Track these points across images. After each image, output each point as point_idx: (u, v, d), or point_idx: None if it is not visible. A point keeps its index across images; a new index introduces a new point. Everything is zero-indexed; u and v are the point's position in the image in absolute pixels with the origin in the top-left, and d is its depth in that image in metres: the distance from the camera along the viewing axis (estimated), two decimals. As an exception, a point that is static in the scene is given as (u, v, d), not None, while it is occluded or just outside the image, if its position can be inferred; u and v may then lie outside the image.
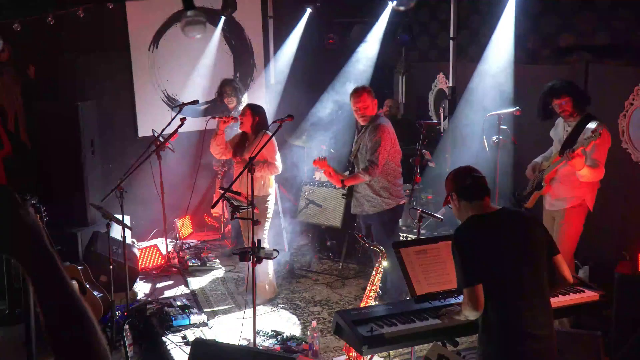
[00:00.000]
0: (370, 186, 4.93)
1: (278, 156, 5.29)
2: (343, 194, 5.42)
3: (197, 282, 6.03)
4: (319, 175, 6.66)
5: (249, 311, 4.42)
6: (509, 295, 2.79)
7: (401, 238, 5.73)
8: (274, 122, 4.28)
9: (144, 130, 6.95)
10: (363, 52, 7.46)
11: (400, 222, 6.19)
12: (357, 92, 4.93)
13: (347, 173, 5.18)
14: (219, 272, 6.29)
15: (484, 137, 5.58)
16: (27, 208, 1.10)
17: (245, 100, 6.64)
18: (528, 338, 2.76)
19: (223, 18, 7.09)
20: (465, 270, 2.79)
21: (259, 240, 4.15)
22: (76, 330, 1.05)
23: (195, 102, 6.42)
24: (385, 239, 4.61)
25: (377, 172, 4.81)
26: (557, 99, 4.42)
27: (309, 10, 6.76)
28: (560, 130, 4.62)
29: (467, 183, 2.94)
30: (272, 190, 5.45)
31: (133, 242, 6.23)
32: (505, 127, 5.33)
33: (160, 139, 5.99)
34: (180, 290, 5.83)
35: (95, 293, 4.95)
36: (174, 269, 6.37)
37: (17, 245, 1.06)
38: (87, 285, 4.95)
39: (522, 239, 2.87)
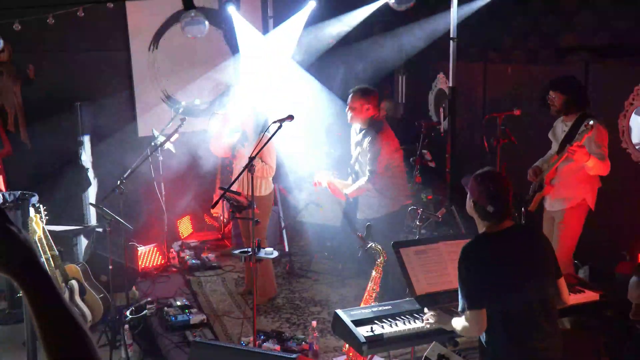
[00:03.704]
0: (375, 189, 4.92)
1: (273, 157, 5.29)
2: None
3: (197, 282, 6.03)
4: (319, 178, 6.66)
5: (249, 311, 4.42)
6: (516, 317, 2.75)
7: (401, 238, 5.73)
8: (274, 122, 4.27)
9: (144, 130, 6.95)
10: (363, 51, 7.46)
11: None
12: (351, 93, 4.91)
13: (349, 179, 5.18)
14: (218, 272, 6.28)
15: (484, 137, 5.58)
16: (19, 225, 1.11)
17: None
18: (535, 349, 2.74)
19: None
20: (470, 293, 2.73)
21: (259, 240, 4.14)
22: (72, 342, 1.08)
23: (196, 102, 6.42)
24: (388, 240, 4.60)
25: (377, 180, 4.83)
26: (552, 91, 4.47)
27: (312, 3, 6.64)
28: (558, 130, 4.63)
29: (487, 210, 2.80)
30: (271, 190, 5.45)
31: (133, 242, 6.22)
32: (505, 127, 5.33)
33: (161, 138, 6.00)
34: (180, 290, 5.83)
35: (95, 293, 4.94)
36: (174, 269, 6.37)
37: (11, 263, 1.07)
38: (87, 286, 4.94)
39: (532, 260, 2.82)
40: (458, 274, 2.79)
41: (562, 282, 2.93)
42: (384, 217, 4.94)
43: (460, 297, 2.79)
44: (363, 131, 4.92)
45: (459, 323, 2.88)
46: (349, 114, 4.90)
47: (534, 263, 2.83)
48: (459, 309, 2.82)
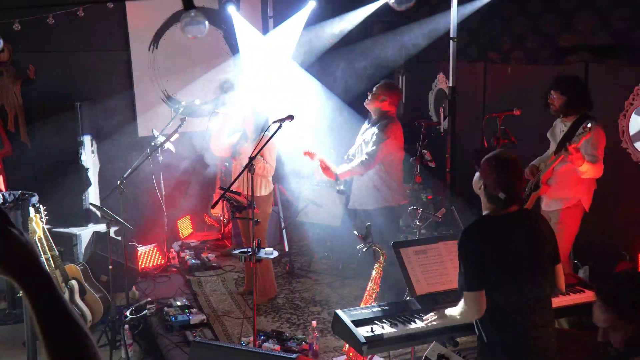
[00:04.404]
0: (371, 180, 4.94)
1: (274, 157, 5.29)
2: (338, 190, 5.48)
3: (197, 282, 6.03)
4: (319, 178, 6.65)
5: (249, 311, 4.42)
6: (515, 303, 2.77)
7: (401, 238, 5.73)
8: (274, 122, 4.28)
9: (144, 130, 6.95)
10: (363, 51, 7.46)
11: (401, 222, 6.19)
12: (380, 83, 5.02)
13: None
14: (218, 272, 6.29)
15: (484, 137, 5.58)
16: (19, 225, 1.12)
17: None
18: (531, 337, 2.77)
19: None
20: (468, 274, 2.75)
21: (259, 240, 4.14)
22: (73, 344, 1.09)
23: (196, 102, 6.42)
24: (384, 237, 4.61)
25: (373, 166, 4.84)
26: (553, 91, 4.47)
27: (312, 3, 6.64)
28: (557, 130, 4.64)
29: (498, 196, 2.80)
30: (271, 190, 5.45)
31: (133, 242, 6.23)
32: (505, 127, 5.33)
33: (161, 138, 6.00)
34: (180, 290, 5.83)
35: (95, 293, 4.95)
36: (174, 269, 6.37)
37: (12, 265, 1.08)
38: (87, 286, 4.95)
39: (532, 246, 2.83)
40: (458, 255, 2.81)
41: (559, 267, 2.95)
42: (374, 210, 4.95)
43: (459, 278, 2.81)
44: (376, 123, 4.95)
45: (456, 309, 2.89)
46: (371, 99, 4.97)
47: (533, 249, 2.84)
48: (458, 290, 2.83)
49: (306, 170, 6.78)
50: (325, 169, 4.99)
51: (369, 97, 4.99)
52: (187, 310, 5.09)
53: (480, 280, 2.74)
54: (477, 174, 2.92)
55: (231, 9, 6.61)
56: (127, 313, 4.69)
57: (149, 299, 5.30)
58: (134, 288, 5.60)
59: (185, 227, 7.34)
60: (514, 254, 2.79)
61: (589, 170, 4.19)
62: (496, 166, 2.83)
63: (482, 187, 2.87)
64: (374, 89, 5.00)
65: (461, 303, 2.85)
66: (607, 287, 2.25)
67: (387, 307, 3.37)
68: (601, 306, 2.21)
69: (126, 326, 4.52)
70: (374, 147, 4.82)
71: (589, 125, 4.05)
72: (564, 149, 4.10)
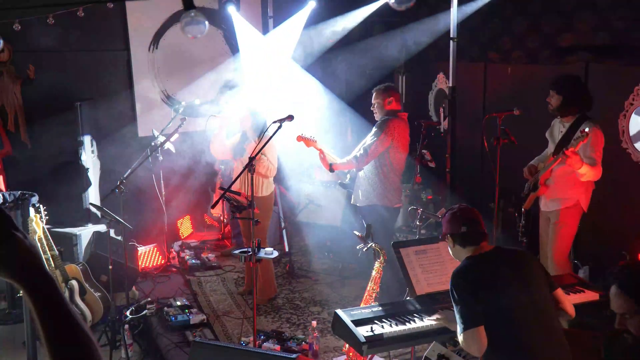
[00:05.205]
0: (368, 178, 4.95)
1: (275, 157, 5.28)
2: (340, 182, 5.50)
3: (197, 282, 6.03)
4: (319, 178, 6.66)
5: (249, 311, 4.41)
6: (517, 330, 2.75)
7: (401, 238, 5.74)
8: (274, 122, 4.27)
9: (144, 130, 6.95)
10: (363, 51, 7.46)
11: (400, 222, 6.19)
12: (375, 90, 5.06)
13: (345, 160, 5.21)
14: (218, 272, 6.29)
15: (484, 137, 5.57)
16: (24, 231, 1.12)
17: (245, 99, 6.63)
18: (530, 337, 2.75)
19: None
20: (464, 314, 2.74)
21: (259, 240, 4.14)
22: (75, 346, 1.10)
23: (196, 102, 6.42)
24: (380, 237, 4.60)
25: (366, 162, 4.86)
26: (550, 90, 4.48)
27: (312, 3, 6.64)
28: (555, 131, 4.63)
29: (461, 231, 2.92)
30: (272, 190, 5.44)
31: (133, 242, 6.23)
32: (505, 127, 5.33)
33: (161, 138, 6.00)
34: (180, 290, 5.83)
35: (95, 293, 4.95)
36: (174, 269, 6.37)
37: (16, 268, 1.09)
38: (87, 286, 4.95)
39: (520, 274, 2.84)
40: (451, 298, 2.81)
41: (559, 293, 2.94)
42: (369, 207, 4.96)
43: (457, 320, 2.80)
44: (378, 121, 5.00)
45: (460, 337, 2.87)
46: (373, 109, 5.04)
47: (523, 277, 2.85)
48: (458, 331, 2.82)
49: (306, 170, 6.79)
50: (323, 159, 5.01)
51: (374, 107, 5.02)
52: (187, 310, 5.09)
53: (475, 317, 2.72)
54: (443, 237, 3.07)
55: (231, 9, 6.62)
56: (127, 313, 4.69)
57: (149, 299, 5.31)
58: (134, 288, 5.60)
59: (185, 227, 7.35)
60: (505, 283, 2.79)
61: (588, 173, 4.19)
62: (450, 213, 3.02)
63: (450, 239, 2.98)
64: (373, 98, 5.02)
65: (461, 338, 2.82)
66: (625, 275, 2.24)
67: (387, 307, 3.37)
68: (619, 294, 2.21)
69: (126, 326, 4.52)
70: (370, 143, 4.85)
71: (586, 129, 4.05)
72: (562, 152, 4.10)
